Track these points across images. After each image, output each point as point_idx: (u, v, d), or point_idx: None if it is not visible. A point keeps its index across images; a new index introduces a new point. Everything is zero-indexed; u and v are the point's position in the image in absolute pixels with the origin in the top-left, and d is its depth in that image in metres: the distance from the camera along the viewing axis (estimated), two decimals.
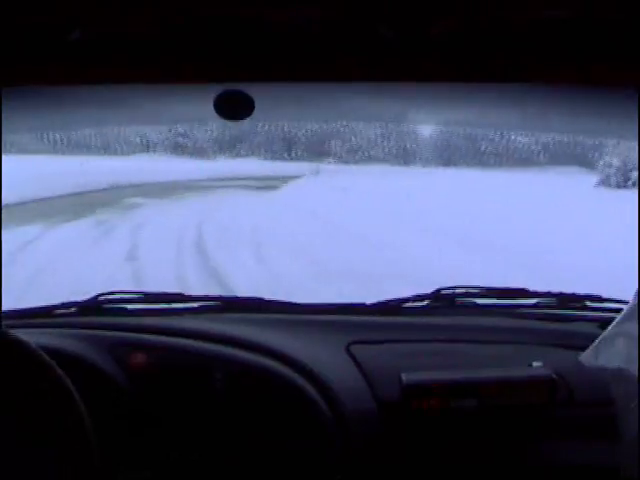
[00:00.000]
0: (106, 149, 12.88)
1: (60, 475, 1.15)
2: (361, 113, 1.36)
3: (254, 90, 0.98)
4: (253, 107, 1.01)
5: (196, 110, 1.22)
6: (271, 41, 0.84)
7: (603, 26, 0.81)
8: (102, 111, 1.23)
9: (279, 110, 1.29)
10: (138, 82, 0.90)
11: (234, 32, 0.82)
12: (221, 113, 1.01)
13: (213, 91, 0.98)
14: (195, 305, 1.72)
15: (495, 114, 1.26)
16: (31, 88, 0.90)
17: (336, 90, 1.00)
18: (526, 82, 0.88)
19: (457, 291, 1.75)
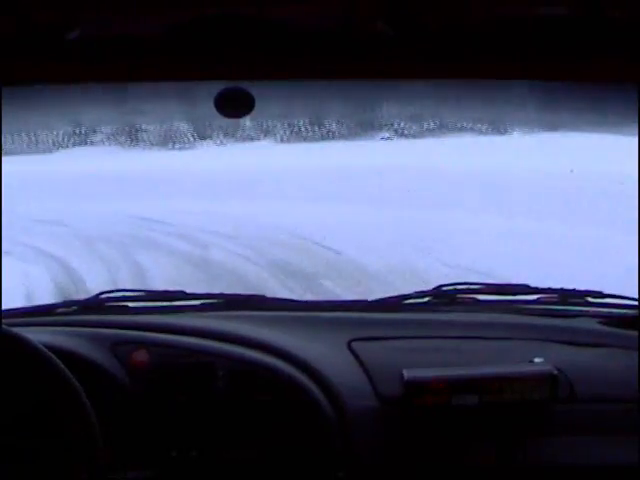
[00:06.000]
0: None
1: (65, 471, 1.15)
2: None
3: (254, 87, 0.98)
4: (253, 104, 1.01)
5: (196, 107, 1.22)
6: (270, 39, 0.84)
7: (602, 22, 0.81)
8: (102, 109, 1.23)
9: (279, 107, 1.29)
10: (138, 80, 0.90)
11: (233, 30, 0.82)
12: (221, 110, 1.02)
13: (213, 89, 0.99)
14: (197, 303, 1.72)
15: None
16: (31, 87, 0.91)
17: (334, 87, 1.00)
18: (525, 79, 0.88)
19: (458, 287, 1.75)
